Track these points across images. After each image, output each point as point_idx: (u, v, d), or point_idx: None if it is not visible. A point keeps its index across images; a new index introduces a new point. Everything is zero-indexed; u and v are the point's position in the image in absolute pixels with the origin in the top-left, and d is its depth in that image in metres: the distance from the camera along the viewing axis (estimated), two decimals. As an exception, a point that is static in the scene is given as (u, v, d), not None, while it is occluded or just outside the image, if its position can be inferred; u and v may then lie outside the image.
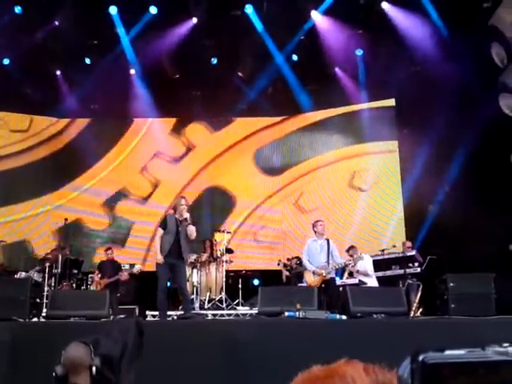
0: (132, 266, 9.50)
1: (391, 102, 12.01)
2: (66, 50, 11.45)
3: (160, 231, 7.01)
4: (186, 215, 6.98)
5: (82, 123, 12.94)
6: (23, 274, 8.91)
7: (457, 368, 0.61)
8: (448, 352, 0.62)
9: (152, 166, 12.88)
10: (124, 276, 9.08)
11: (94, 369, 2.67)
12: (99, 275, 9.19)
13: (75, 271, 9.45)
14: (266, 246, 12.32)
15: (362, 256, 8.09)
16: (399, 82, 11.25)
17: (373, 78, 11.82)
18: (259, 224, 12.49)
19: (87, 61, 11.88)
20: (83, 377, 2.68)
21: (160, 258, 6.80)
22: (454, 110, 9.99)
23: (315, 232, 7.87)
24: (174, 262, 6.90)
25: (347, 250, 8.86)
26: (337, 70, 11.86)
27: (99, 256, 11.09)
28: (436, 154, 10.46)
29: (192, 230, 7.02)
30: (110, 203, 12.59)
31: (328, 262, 7.54)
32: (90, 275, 9.77)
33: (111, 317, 5.69)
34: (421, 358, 0.62)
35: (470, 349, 0.63)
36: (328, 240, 7.77)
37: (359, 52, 11.77)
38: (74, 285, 9.25)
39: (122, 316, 7.22)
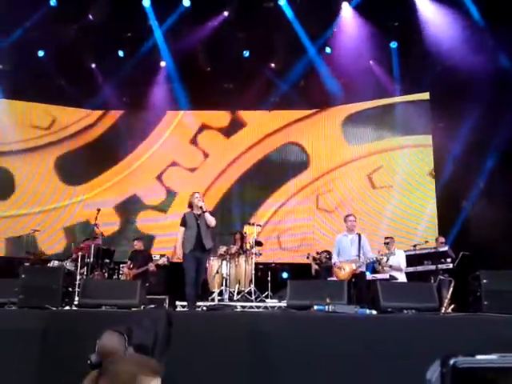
0: (162, 257, 9.63)
1: (426, 95, 11.79)
2: (100, 42, 11.61)
3: (181, 229, 7.30)
4: (201, 203, 7.31)
5: (114, 115, 13.12)
6: (56, 263, 9.11)
7: (488, 373, 0.58)
8: (479, 356, 0.60)
9: (183, 159, 12.98)
10: (151, 267, 9.25)
11: None
12: (130, 265, 9.37)
13: (107, 261, 9.61)
14: (295, 239, 12.28)
15: (394, 252, 8.00)
16: (434, 75, 11.04)
17: (407, 71, 11.64)
18: (289, 217, 12.46)
19: (120, 53, 12.03)
20: None
21: (180, 253, 7.16)
22: (489, 103, 9.77)
23: (346, 227, 7.82)
24: (199, 255, 7.17)
25: (385, 243, 8.82)
26: (370, 62, 11.72)
27: (131, 246, 11.27)
28: (471, 149, 10.25)
29: (210, 218, 7.33)
30: (142, 195, 12.75)
31: (359, 256, 7.49)
32: (121, 265, 9.93)
33: (142, 306, 5.75)
34: (451, 362, 0.60)
35: (503, 354, 0.60)
36: (360, 235, 7.70)
37: (393, 44, 11.59)
38: (106, 274, 9.42)
39: (152, 306, 7.31)
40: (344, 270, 7.44)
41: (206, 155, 13.02)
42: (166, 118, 13.19)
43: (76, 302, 6.11)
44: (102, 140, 12.98)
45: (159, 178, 12.92)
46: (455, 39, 10.26)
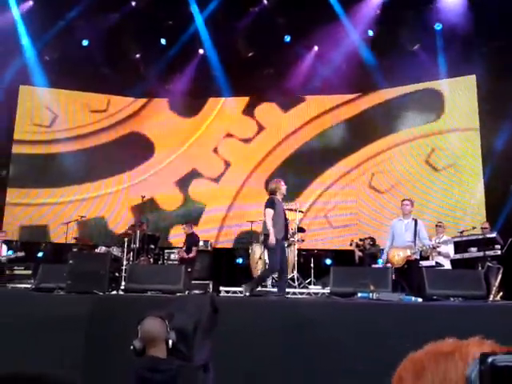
0: (206, 242, 9.76)
1: (472, 78, 11.41)
2: (142, 30, 11.74)
3: (270, 212, 6.83)
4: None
5: (158, 103, 13.27)
6: (103, 249, 9.35)
7: None
8: None
9: (224, 146, 13.04)
10: (192, 253, 9.38)
11: (170, 342, 2.76)
12: (184, 248, 9.58)
13: (152, 246, 9.80)
14: (338, 225, 12.19)
15: (451, 239, 7.80)
16: (481, 57, 10.65)
17: (453, 53, 11.27)
18: (332, 203, 12.37)
19: (163, 41, 12.13)
20: (160, 349, 2.77)
21: (273, 239, 6.70)
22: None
23: (402, 211, 7.61)
24: (283, 243, 7.07)
25: (437, 225, 8.65)
26: (413, 45, 11.40)
27: (175, 232, 11.48)
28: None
29: None
30: (184, 183, 12.90)
31: (414, 242, 7.24)
32: (165, 250, 10.12)
33: (186, 291, 5.84)
34: (490, 359, 0.58)
35: None
36: (416, 220, 7.42)
37: (438, 26, 11.24)
38: (151, 259, 9.61)
39: (196, 291, 7.41)
40: (398, 255, 7.19)
41: (247, 142, 13.02)
42: (207, 104, 13.25)
43: (122, 287, 6.26)
44: (145, 127, 13.15)
45: (209, 158, 13.00)
46: (503, 20, 9.87)
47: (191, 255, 9.55)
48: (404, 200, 7.70)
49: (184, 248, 9.74)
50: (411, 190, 11.55)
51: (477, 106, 11.34)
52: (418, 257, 7.37)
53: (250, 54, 12.22)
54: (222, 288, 8.23)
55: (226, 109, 13.23)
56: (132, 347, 2.77)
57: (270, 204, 6.86)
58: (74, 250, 9.29)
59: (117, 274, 6.08)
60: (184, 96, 12.97)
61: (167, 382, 2.66)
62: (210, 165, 12.99)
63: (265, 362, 4.75)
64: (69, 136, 12.72)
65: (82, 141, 12.77)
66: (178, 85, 12.65)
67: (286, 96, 12.87)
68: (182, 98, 13.03)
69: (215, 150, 13.03)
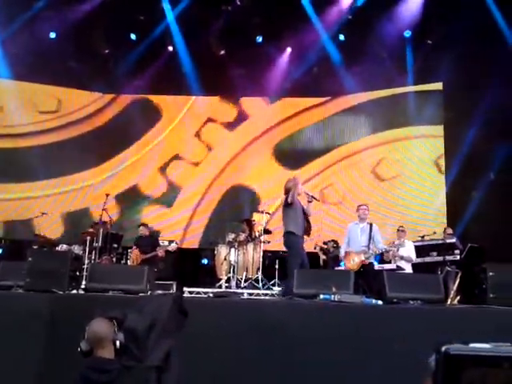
0: (170, 242, 9.65)
1: (439, 85, 11.68)
2: (112, 25, 11.59)
3: (288, 210, 7.09)
4: (310, 193, 7.36)
5: (126, 99, 13.10)
6: (64, 247, 9.18)
7: (478, 360, 0.59)
8: (473, 345, 0.61)
9: (192, 149, 12.95)
10: (161, 252, 9.23)
11: (117, 343, 2.76)
12: (136, 250, 9.34)
13: (115, 245, 9.67)
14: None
15: (404, 243, 8.00)
16: (448, 65, 10.91)
17: (421, 61, 11.52)
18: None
19: (132, 36, 11.99)
20: (108, 350, 2.77)
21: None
22: (502, 95, 9.68)
23: (358, 216, 7.79)
24: (303, 240, 7.18)
25: (399, 230, 8.82)
26: (383, 51, 11.60)
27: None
28: (482, 140, 10.17)
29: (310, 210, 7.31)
30: (150, 182, 12.77)
31: (369, 246, 7.46)
32: (129, 250, 9.98)
33: (149, 292, 5.78)
34: (444, 349, 0.61)
35: (499, 343, 0.61)
36: (371, 224, 7.65)
37: (407, 34, 11.46)
38: (114, 259, 9.48)
39: (159, 292, 7.35)
40: (353, 260, 7.44)
41: (210, 147, 12.97)
42: (177, 102, 13.15)
43: (83, 287, 6.16)
44: (112, 123, 12.95)
45: (175, 159, 12.88)
46: (471, 29, 10.14)
47: (160, 255, 9.38)
48: (361, 205, 7.92)
49: (136, 249, 9.50)
50: (374, 196, 11.74)
51: (442, 113, 11.62)
52: (373, 261, 7.59)
53: (222, 53, 12.19)
54: (185, 289, 8.19)
55: (195, 106, 13.15)
56: (79, 348, 2.78)
57: (287, 203, 7.03)
58: (34, 247, 9.10)
59: (77, 273, 5.98)
60: (152, 93, 12.84)
61: (112, 382, 2.67)
62: (177, 165, 12.89)
63: (229, 363, 4.75)
64: (32, 130, 12.45)
65: (46, 135, 12.51)
66: (147, 81, 12.50)
67: (256, 97, 12.90)
68: (150, 94, 12.90)
69: (179, 155, 12.93)
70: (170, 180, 12.81)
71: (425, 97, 11.80)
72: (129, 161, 12.85)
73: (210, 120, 13.06)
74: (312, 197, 7.32)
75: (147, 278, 5.84)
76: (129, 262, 9.46)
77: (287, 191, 7.17)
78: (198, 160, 12.90)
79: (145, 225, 9.90)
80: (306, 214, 7.23)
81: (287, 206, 7.07)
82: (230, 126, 13.02)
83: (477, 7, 10.00)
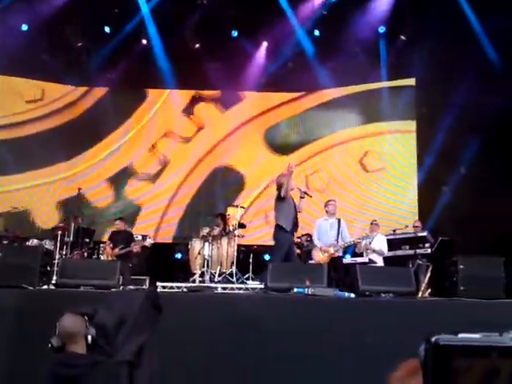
0: (144, 237, 9.56)
1: (411, 81, 11.82)
2: (86, 17, 11.40)
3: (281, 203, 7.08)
4: (303, 189, 7.42)
5: (99, 92, 12.91)
6: (35, 242, 9.01)
7: (468, 351, 0.60)
8: (462, 335, 0.62)
9: (167, 140, 12.85)
10: (136, 248, 9.12)
11: (89, 338, 2.74)
12: (111, 245, 9.20)
13: (87, 240, 9.54)
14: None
15: (372, 236, 8.15)
16: (421, 61, 11.04)
17: (394, 56, 11.63)
18: (271, 201, 12.44)
19: (107, 29, 11.82)
20: (80, 345, 2.75)
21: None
22: (473, 92, 9.84)
23: (326, 211, 7.93)
24: (292, 238, 7.22)
25: (372, 223, 8.92)
26: (357, 46, 11.67)
27: (111, 226, 11.21)
28: (454, 136, 10.34)
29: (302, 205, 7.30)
30: (122, 176, 12.62)
31: (337, 240, 7.61)
32: (101, 244, 9.85)
33: (121, 287, 5.73)
34: (433, 339, 0.62)
35: (487, 333, 0.62)
36: (339, 220, 7.81)
37: (381, 29, 11.56)
38: (86, 254, 9.34)
39: (131, 287, 7.29)
40: (323, 254, 7.58)
41: (186, 139, 12.88)
42: (150, 96, 13.02)
43: (54, 282, 6.07)
44: (85, 117, 12.74)
45: (148, 154, 12.76)
46: (445, 26, 10.27)
47: (135, 250, 9.25)
48: (329, 200, 8.07)
49: (111, 244, 9.34)
50: (347, 190, 11.85)
51: (414, 108, 11.77)
52: (341, 254, 7.77)
53: (197, 47, 12.10)
54: (159, 283, 8.13)
55: (169, 101, 13.04)
56: (50, 344, 2.75)
57: (280, 197, 7.07)
58: (4, 242, 8.92)
59: (48, 268, 5.89)
60: (126, 86, 12.68)
61: (81, 377, 2.65)
62: (151, 157, 12.77)
63: (203, 358, 4.74)
64: (2, 124, 12.18)
65: (16, 129, 12.24)
66: (121, 74, 12.32)
67: (232, 91, 12.85)
68: (124, 88, 12.74)
69: (154, 146, 12.81)
70: (143, 174, 12.67)
71: (398, 92, 11.93)
72: (101, 155, 12.65)
73: (183, 115, 12.94)
74: (304, 193, 7.37)
75: (119, 272, 5.78)
76: (103, 257, 9.32)
77: (280, 186, 7.19)
78: (171, 154, 12.78)
79: (122, 219, 9.75)
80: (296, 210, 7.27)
81: (279, 200, 7.10)
82: (204, 122, 12.92)
83: (449, 3, 10.13)
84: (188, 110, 12.98)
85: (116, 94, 12.79)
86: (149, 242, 9.14)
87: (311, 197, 7.58)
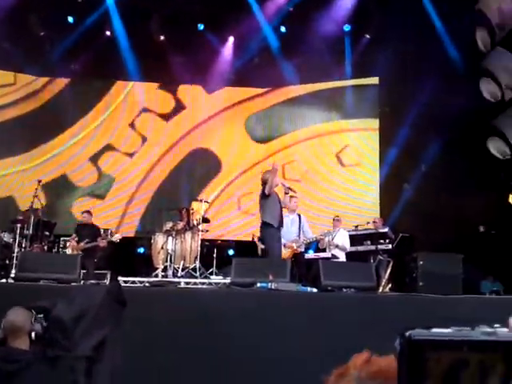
0: (111, 233, 9.42)
1: (375, 80, 12.00)
2: (49, 7, 11.14)
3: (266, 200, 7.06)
4: (287, 185, 7.41)
5: (62, 83, 12.62)
6: (-6, 234, 8.76)
7: (440, 345, 0.63)
8: (435, 330, 0.64)
9: (129, 135, 12.66)
10: (102, 243, 8.96)
11: (33, 334, 2.71)
12: (76, 239, 9.00)
13: (47, 233, 9.32)
14: (244, 217, 12.31)
15: (333, 232, 8.27)
16: (385, 61, 11.21)
17: (359, 55, 11.79)
18: (238, 194, 12.47)
19: (70, 19, 11.58)
20: (22, 341, 2.72)
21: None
22: (436, 92, 10.06)
23: (288, 207, 7.99)
24: (280, 232, 7.15)
25: (335, 219, 9.02)
26: (323, 44, 11.76)
27: (74, 219, 11.05)
28: (415, 135, 10.56)
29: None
30: (82, 169, 12.39)
31: (299, 235, 7.69)
32: (61, 238, 9.64)
33: (81, 281, 5.64)
34: (407, 334, 0.64)
35: (459, 328, 0.65)
36: (300, 215, 7.93)
37: (347, 28, 11.69)
38: (46, 247, 9.14)
39: (92, 281, 7.19)
40: (286, 249, 7.64)
41: (146, 137, 12.73)
42: (115, 88, 12.81)
43: (12, 276, 5.93)
44: (47, 108, 12.44)
45: (110, 147, 12.55)
46: (410, 27, 10.46)
47: (102, 245, 9.07)
48: (292, 197, 8.10)
49: (76, 237, 9.15)
50: (310, 186, 11.96)
51: (378, 107, 11.96)
52: (303, 249, 7.93)
53: (162, 39, 11.97)
54: (120, 278, 8.04)
55: (133, 93, 12.86)
56: None
57: (264, 194, 7.04)
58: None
59: (7, 262, 5.75)
60: (90, 77, 12.45)
61: (20, 373, 2.62)
62: (112, 154, 12.57)
63: (166, 353, 4.71)
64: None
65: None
66: (85, 65, 12.07)
67: (197, 85, 12.76)
68: (87, 79, 12.50)
69: (114, 142, 12.62)
70: (105, 167, 12.48)
71: (362, 90, 12.09)
72: (61, 147, 12.38)
73: (146, 109, 12.79)
74: (289, 188, 7.38)
75: (81, 266, 5.70)
76: (68, 251, 9.08)
77: (264, 182, 7.18)
78: (133, 148, 12.62)
79: (89, 212, 9.56)
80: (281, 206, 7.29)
81: (264, 197, 7.10)
82: (168, 115, 12.81)
83: (413, 3, 10.32)
84: (156, 97, 12.84)
85: (79, 85, 12.54)
86: (116, 237, 9.01)
87: (295, 192, 7.60)
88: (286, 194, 7.44)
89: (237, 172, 12.55)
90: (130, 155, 12.57)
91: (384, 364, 0.89)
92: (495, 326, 0.64)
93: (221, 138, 12.75)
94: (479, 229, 10.22)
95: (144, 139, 12.67)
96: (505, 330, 0.63)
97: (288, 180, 12.20)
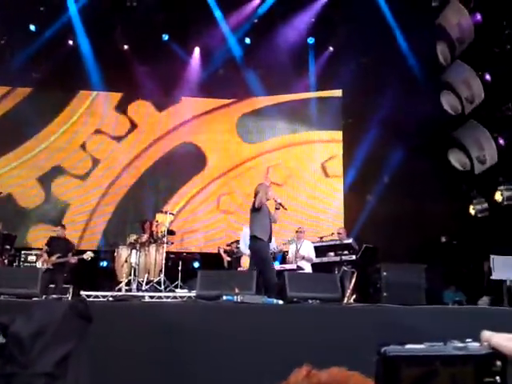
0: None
1: (338, 92, 12.19)
2: (10, 14, 10.92)
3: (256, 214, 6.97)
4: (280, 200, 7.24)
5: (23, 92, 12.36)
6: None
7: (414, 360, 0.65)
8: (409, 346, 0.67)
9: (93, 143, 12.49)
10: (74, 259, 8.82)
11: None
12: (48, 251, 8.81)
13: (7, 247, 9.09)
14: (208, 230, 12.27)
15: (294, 239, 8.33)
16: (348, 73, 11.41)
17: (322, 68, 11.96)
18: (203, 206, 12.42)
19: (32, 28, 11.39)
20: None
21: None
22: (398, 103, 10.28)
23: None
24: (269, 244, 7.12)
25: (297, 231, 9.04)
26: (287, 56, 11.89)
27: (34, 232, 10.77)
28: (378, 146, 10.75)
29: (277, 217, 7.25)
30: (46, 179, 12.13)
31: None
32: (22, 251, 9.42)
33: (43, 296, 5.50)
34: (382, 350, 0.66)
35: (432, 343, 0.67)
36: None
37: (311, 40, 11.86)
38: (6, 261, 8.91)
39: (53, 296, 7.02)
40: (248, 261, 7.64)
41: (117, 140, 12.62)
42: (77, 98, 12.62)
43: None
44: (7, 118, 12.14)
45: (72, 158, 12.32)
46: (372, 40, 10.68)
47: (73, 261, 8.92)
48: None
49: (47, 250, 8.95)
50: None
51: (341, 118, 12.14)
52: None
53: (126, 48, 11.88)
54: (83, 292, 7.87)
55: (96, 103, 12.70)
56: None
57: (254, 208, 6.95)
58: None
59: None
60: (52, 87, 12.23)
61: None
62: (77, 161, 12.36)
63: (131, 368, 4.62)
64: None
65: None
66: (46, 74, 11.85)
67: (162, 95, 12.69)
68: (49, 88, 12.27)
69: (83, 146, 12.44)
70: (73, 172, 12.25)
71: (326, 102, 12.26)
72: (23, 158, 12.10)
73: (111, 117, 12.63)
74: (280, 204, 7.30)
75: (41, 281, 5.56)
76: (38, 263, 8.86)
77: (256, 196, 7.13)
78: (97, 156, 12.43)
79: (63, 226, 9.44)
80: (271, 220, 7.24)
81: (255, 210, 7.03)
82: (136, 124, 12.69)
83: (376, 17, 10.55)
84: (119, 109, 12.70)
85: (41, 95, 12.30)
86: (88, 254, 8.88)
87: (286, 209, 7.56)
88: (277, 209, 7.38)
89: (203, 184, 12.51)
90: (94, 163, 12.36)
91: (324, 378, 0.90)
92: (467, 340, 0.67)
93: (184, 149, 12.68)
94: (441, 239, 10.45)
95: (111, 146, 12.50)
96: (476, 344, 0.65)
97: (249, 193, 12.26)
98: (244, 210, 11.80)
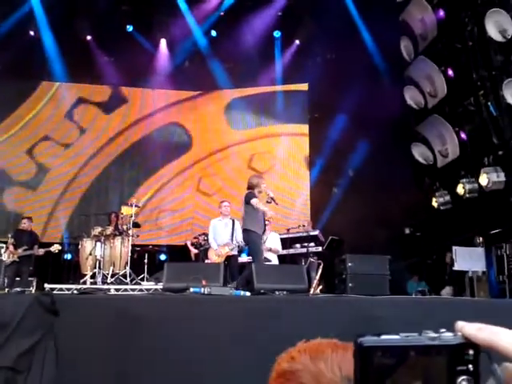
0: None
1: (304, 86, 12.25)
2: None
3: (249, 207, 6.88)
4: (272, 194, 7.17)
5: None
6: None
7: (389, 351, 0.67)
8: (384, 336, 0.68)
9: (56, 133, 12.24)
10: (39, 252, 8.64)
11: None
12: (13, 244, 8.61)
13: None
14: (174, 222, 12.20)
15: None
16: (314, 67, 11.49)
17: (288, 61, 12.00)
18: (168, 199, 12.34)
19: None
20: None
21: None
22: (363, 98, 10.40)
23: (220, 212, 8.07)
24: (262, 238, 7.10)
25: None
26: (253, 49, 11.89)
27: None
28: (343, 139, 10.86)
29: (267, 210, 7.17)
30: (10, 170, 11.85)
31: (232, 239, 7.79)
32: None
33: (6, 290, 5.37)
34: (358, 340, 0.67)
35: (407, 334, 0.68)
36: (233, 220, 8.01)
37: (277, 34, 11.86)
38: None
39: (17, 289, 6.87)
40: (219, 253, 7.67)
41: (82, 130, 12.39)
42: (40, 88, 12.32)
43: None
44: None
45: (30, 152, 12.06)
46: (337, 35, 10.76)
47: (40, 254, 8.74)
48: (223, 201, 8.24)
49: (13, 243, 8.74)
50: (242, 190, 12.01)
51: (307, 112, 12.21)
52: (236, 252, 7.98)
53: (89, 39, 11.66)
54: (47, 285, 7.73)
55: (60, 93, 12.43)
56: None
57: (250, 198, 6.88)
58: None
59: None
60: (13, 78, 11.89)
61: None
62: (45, 149, 12.09)
63: (96, 362, 4.56)
64: None
65: None
66: (6, 65, 11.52)
67: (126, 86, 12.52)
68: (11, 79, 11.93)
69: (46, 137, 12.16)
70: (39, 163, 11.96)
71: (292, 96, 12.31)
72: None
73: (80, 102, 12.36)
74: (272, 198, 7.27)
75: (3, 274, 5.43)
76: (4, 256, 8.63)
77: (250, 188, 7.11)
78: (63, 146, 12.20)
79: (29, 218, 9.22)
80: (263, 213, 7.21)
81: (248, 203, 6.99)
82: (101, 112, 12.48)
83: (341, 11, 10.64)
84: (84, 99, 12.46)
85: (2, 86, 11.95)
86: (55, 247, 8.71)
87: (277, 204, 7.54)
88: (269, 202, 7.38)
89: (171, 175, 12.42)
90: (64, 150, 12.10)
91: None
92: (441, 330, 0.69)
93: (149, 141, 12.56)
94: (405, 231, 10.66)
95: (67, 145, 12.27)
96: (450, 334, 0.68)
97: (221, 181, 12.27)
98: (218, 197, 11.82)
